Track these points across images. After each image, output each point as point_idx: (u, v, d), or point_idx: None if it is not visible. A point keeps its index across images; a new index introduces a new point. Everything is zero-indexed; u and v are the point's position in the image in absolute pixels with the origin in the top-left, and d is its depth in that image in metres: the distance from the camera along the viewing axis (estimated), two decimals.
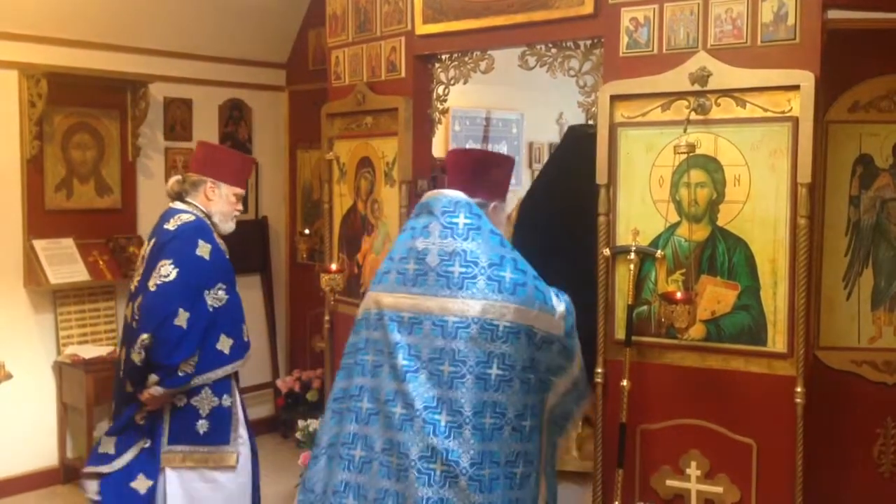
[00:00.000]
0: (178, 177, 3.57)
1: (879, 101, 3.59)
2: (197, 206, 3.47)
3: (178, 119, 5.63)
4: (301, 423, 4.61)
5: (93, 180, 5.21)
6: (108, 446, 3.36)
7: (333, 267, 4.58)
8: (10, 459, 4.89)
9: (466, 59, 4.21)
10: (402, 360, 2.67)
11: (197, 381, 3.32)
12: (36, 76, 4.79)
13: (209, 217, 3.47)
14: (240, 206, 3.62)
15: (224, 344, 3.35)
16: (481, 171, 2.94)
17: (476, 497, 2.59)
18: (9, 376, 4.55)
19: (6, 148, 4.85)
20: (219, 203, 3.49)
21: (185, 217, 3.37)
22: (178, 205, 3.46)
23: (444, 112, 4.45)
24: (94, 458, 3.42)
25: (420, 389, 2.63)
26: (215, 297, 3.32)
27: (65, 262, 4.98)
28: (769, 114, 3.18)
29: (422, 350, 2.67)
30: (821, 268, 3.62)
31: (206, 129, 5.76)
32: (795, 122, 3.12)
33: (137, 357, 3.18)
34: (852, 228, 3.65)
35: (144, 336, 3.15)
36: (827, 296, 3.65)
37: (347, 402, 2.78)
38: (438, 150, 6.83)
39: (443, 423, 2.60)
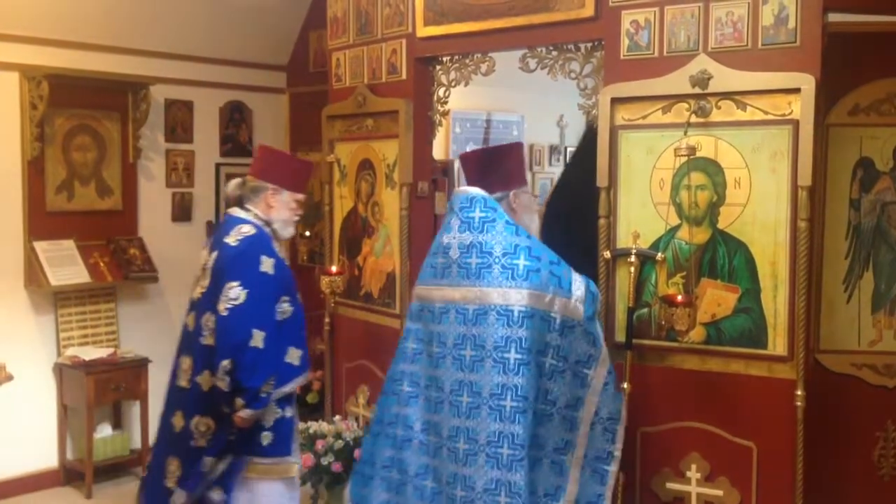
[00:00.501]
0: (239, 180, 3.45)
1: (880, 105, 3.59)
2: (257, 214, 3.36)
3: (178, 121, 5.63)
4: (301, 425, 4.60)
5: (93, 182, 5.21)
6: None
7: (334, 269, 4.58)
8: (10, 460, 4.89)
9: (467, 61, 4.22)
10: (435, 348, 2.95)
11: (274, 396, 3.25)
12: (37, 78, 4.79)
13: (269, 224, 3.37)
14: (300, 211, 3.51)
15: (293, 356, 3.26)
16: (490, 167, 3.12)
17: (492, 473, 2.79)
18: (9, 378, 4.55)
19: (7, 150, 4.85)
20: (280, 210, 3.39)
21: (246, 230, 3.26)
22: (238, 212, 3.36)
23: (445, 114, 4.45)
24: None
25: (447, 374, 2.90)
26: (280, 310, 3.24)
27: (65, 264, 4.98)
28: (770, 117, 3.19)
29: (448, 337, 2.93)
30: (821, 271, 3.62)
31: (206, 131, 5.77)
32: (796, 125, 3.12)
33: (223, 384, 3.11)
34: (853, 231, 3.64)
35: (225, 362, 3.09)
36: (827, 299, 3.65)
37: (392, 385, 3.09)
38: (439, 152, 6.84)
39: (464, 405, 2.85)
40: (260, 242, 3.25)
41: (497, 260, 2.89)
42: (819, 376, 3.56)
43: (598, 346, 2.96)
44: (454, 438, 2.86)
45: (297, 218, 3.48)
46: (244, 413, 3.19)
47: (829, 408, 3.52)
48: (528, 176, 8.62)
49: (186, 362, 3.32)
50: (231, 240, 3.21)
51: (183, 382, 3.32)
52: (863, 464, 3.68)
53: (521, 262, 2.88)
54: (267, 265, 3.20)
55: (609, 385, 3.00)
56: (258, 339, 3.10)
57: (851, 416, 3.65)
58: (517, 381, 2.81)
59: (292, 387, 3.35)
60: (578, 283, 2.94)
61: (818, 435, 3.45)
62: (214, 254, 3.26)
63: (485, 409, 2.81)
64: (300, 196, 3.49)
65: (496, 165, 3.13)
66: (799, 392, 3.14)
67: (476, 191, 3.02)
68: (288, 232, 3.47)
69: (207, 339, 3.19)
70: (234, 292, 3.10)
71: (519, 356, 2.82)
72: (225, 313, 3.08)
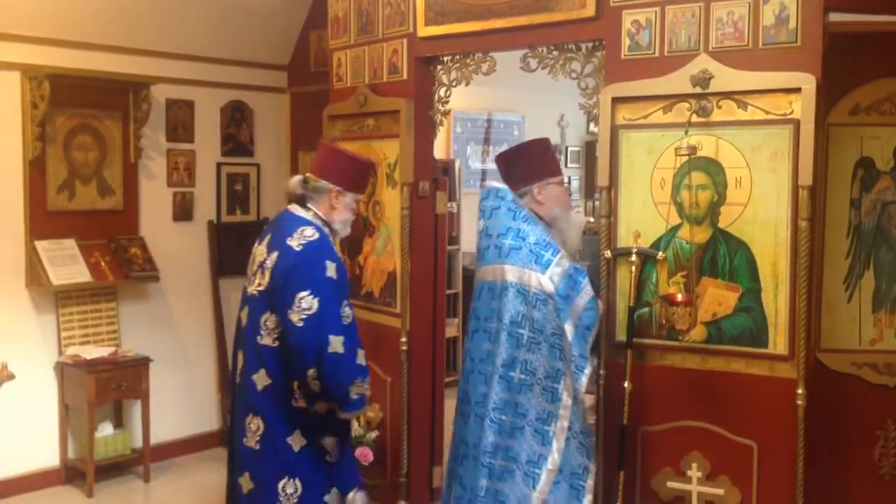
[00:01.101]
0: (300, 178, 3.37)
1: (880, 104, 3.59)
2: (317, 214, 3.30)
3: (179, 120, 5.63)
4: None
5: (95, 181, 5.21)
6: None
7: None
8: (11, 459, 4.89)
9: (468, 61, 4.22)
10: (481, 323, 3.42)
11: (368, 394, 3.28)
12: (38, 77, 4.79)
13: (329, 224, 3.32)
14: (357, 210, 3.51)
15: (361, 357, 3.19)
16: (511, 165, 3.57)
17: (493, 438, 3.32)
18: (11, 377, 4.55)
19: (8, 149, 4.86)
20: (342, 211, 3.35)
21: (309, 233, 3.18)
22: (299, 211, 3.31)
23: (446, 114, 4.46)
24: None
25: (479, 346, 3.41)
26: (344, 314, 3.17)
27: (67, 263, 4.99)
28: (770, 116, 3.19)
29: (481, 312, 3.43)
30: (822, 270, 3.62)
31: (207, 130, 5.77)
32: (797, 124, 3.13)
33: (316, 386, 3.09)
34: (853, 231, 3.65)
35: (311, 372, 3.06)
36: (828, 298, 3.66)
37: (462, 364, 3.60)
38: (440, 151, 6.85)
39: (486, 375, 3.35)
40: (322, 247, 3.18)
41: (492, 240, 3.40)
42: (820, 375, 3.56)
43: (566, 325, 3.24)
44: (482, 405, 3.36)
45: (355, 217, 3.46)
46: (344, 415, 3.18)
47: (829, 407, 3.53)
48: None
49: (241, 358, 3.27)
50: (295, 243, 3.14)
51: (238, 379, 3.28)
52: (863, 463, 3.68)
53: (508, 241, 3.34)
54: (331, 270, 3.13)
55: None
56: (336, 344, 3.05)
57: (852, 415, 3.65)
58: (496, 349, 3.32)
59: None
60: (559, 265, 3.26)
61: (819, 434, 3.46)
62: (275, 254, 3.17)
63: (495, 377, 3.33)
64: (361, 196, 3.48)
65: (515, 163, 3.56)
66: (799, 391, 3.14)
67: (495, 184, 3.53)
68: (346, 232, 3.43)
69: (265, 339, 3.15)
70: (307, 302, 3.04)
71: (497, 325, 3.33)
72: (300, 324, 3.02)
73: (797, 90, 3.11)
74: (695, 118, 3.29)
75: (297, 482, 3.10)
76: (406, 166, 4.36)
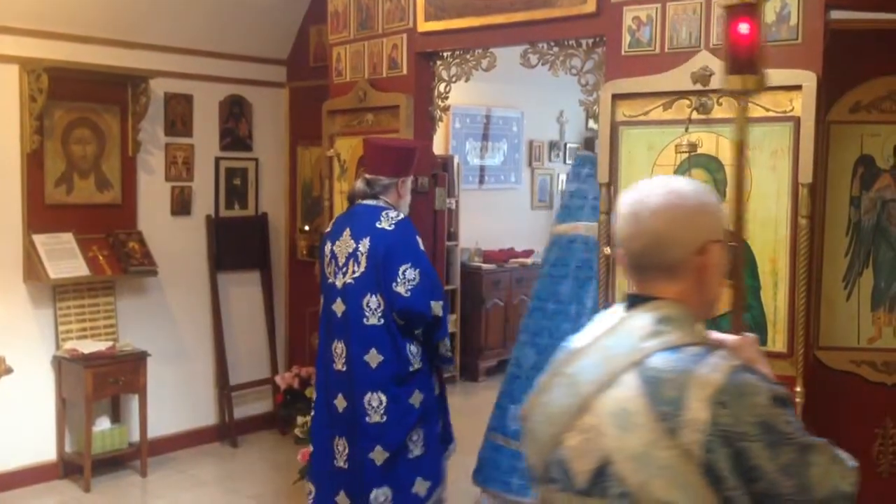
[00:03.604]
0: (365, 180, 3.62)
1: (881, 102, 3.58)
2: (387, 201, 3.58)
3: (178, 115, 5.62)
4: (300, 419, 4.61)
5: (93, 175, 5.20)
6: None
7: None
8: (8, 453, 4.89)
9: (468, 56, 4.21)
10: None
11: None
12: (37, 71, 4.78)
13: (396, 208, 3.62)
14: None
15: (450, 322, 3.73)
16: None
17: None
18: (8, 371, 4.55)
19: (6, 142, 4.84)
20: (406, 195, 3.67)
21: (393, 215, 3.52)
22: (370, 202, 3.57)
23: (445, 109, 4.45)
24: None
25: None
26: None
27: (65, 257, 4.98)
28: (771, 114, 3.18)
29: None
30: (821, 268, 3.62)
31: (206, 125, 5.76)
32: (797, 122, 3.12)
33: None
34: (853, 229, 3.65)
35: (417, 332, 3.49)
36: (827, 296, 3.66)
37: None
38: (439, 147, 6.83)
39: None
40: (410, 224, 3.54)
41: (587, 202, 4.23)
42: (818, 373, 3.56)
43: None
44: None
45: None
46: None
47: (828, 404, 3.52)
48: (527, 171, 8.64)
49: (339, 347, 3.51)
50: (385, 224, 3.46)
51: (339, 366, 3.51)
52: (861, 460, 3.63)
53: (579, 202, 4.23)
54: (420, 242, 3.52)
55: None
56: (437, 308, 3.47)
57: (850, 412, 3.65)
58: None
59: None
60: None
61: (817, 431, 3.45)
62: (366, 239, 3.46)
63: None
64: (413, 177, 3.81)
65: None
66: (798, 388, 3.14)
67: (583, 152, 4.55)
68: (407, 210, 3.70)
69: (370, 320, 3.43)
70: (410, 273, 3.40)
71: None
72: (408, 294, 3.39)
73: (798, 88, 3.10)
74: (695, 115, 3.28)
75: (421, 430, 3.49)
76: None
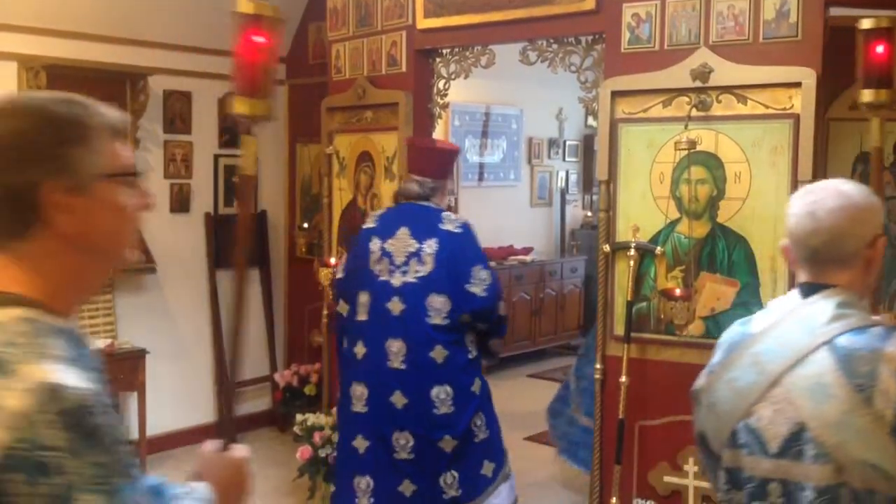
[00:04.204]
0: (417, 181, 3.66)
1: None
2: (437, 204, 3.67)
3: (177, 112, 5.61)
4: (299, 417, 4.60)
5: None
6: None
7: (332, 261, 4.58)
8: None
9: (467, 53, 4.20)
10: None
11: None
12: (35, 68, 4.77)
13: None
14: None
15: None
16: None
17: None
18: None
19: None
20: (447, 197, 3.78)
21: (454, 217, 3.64)
22: (424, 203, 3.65)
23: (445, 107, 4.44)
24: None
25: None
26: None
27: None
28: (770, 111, 3.18)
29: None
30: None
31: (205, 122, 5.75)
32: (796, 119, 3.12)
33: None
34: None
35: (482, 327, 3.59)
36: None
37: None
38: None
39: None
40: (471, 227, 3.63)
41: None
42: None
43: None
44: None
45: None
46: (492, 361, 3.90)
47: None
48: (526, 169, 8.64)
49: (396, 345, 3.52)
50: (451, 227, 3.55)
51: (397, 364, 3.54)
52: None
53: None
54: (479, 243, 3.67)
55: None
56: (502, 307, 3.63)
57: None
58: None
59: None
60: None
61: None
62: (431, 241, 3.53)
63: None
64: None
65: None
66: None
67: None
68: None
69: (434, 319, 3.48)
70: (483, 274, 3.51)
71: None
72: (484, 294, 3.50)
73: (797, 85, 3.11)
74: (694, 112, 3.28)
75: (482, 415, 3.57)
76: (404, 159, 4.35)
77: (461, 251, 3.52)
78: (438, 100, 4.39)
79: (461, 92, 6.14)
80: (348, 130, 4.75)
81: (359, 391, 3.63)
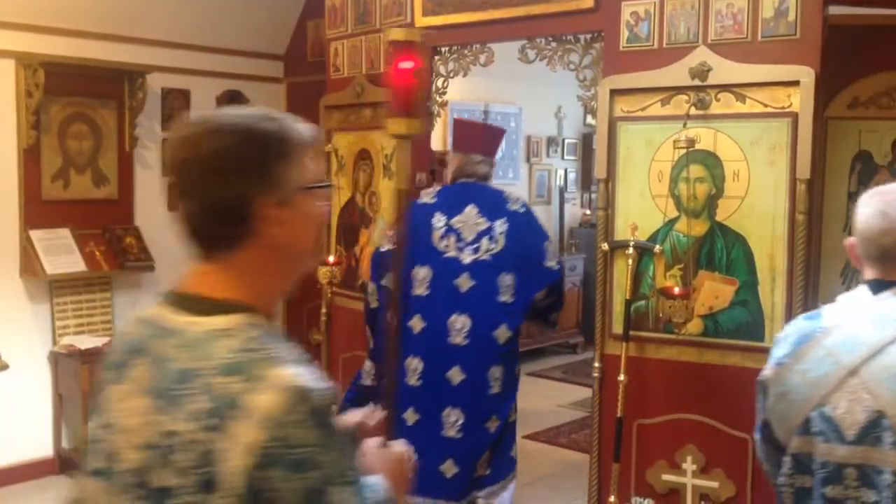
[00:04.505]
0: (481, 159, 3.69)
1: (879, 98, 3.58)
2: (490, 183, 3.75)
3: (175, 109, 5.59)
4: None
5: (89, 171, 5.19)
6: None
7: (331, 259, 4.57)
8: (5, 449, 4.88)
9: (466, 51, 4.20)
10: None
11: None
12: (33, 66, 4.76)
13: None
14: None
15: None
16: None
17: None
18: (4, 366, 4.54)
19: (2, 138, 4.82)
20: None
21: (513, 196, 3.72)
22: (480, 181, 3.70)
23: (443, 105, 4.43)
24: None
25: None
26: None
27: (61, 253, 4.96)
28: (769, 109, 3.18)
29: None
30: (819, 264, 3.62)
31: None
32: (795, 117, 3.12)
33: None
34: (850, 225, 3.64)
35: (548, 302, 3.66)
36: (824, 292, 3.65)
37: None
38: (437, 143, 6.82)
39: None
40: (529, 205, 3.75)
41: None
42: None
43: None
44: None
45: None
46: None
47: None
48: (525, 167, 8.64)
49: (461, 321, 3.53)
50: (516, 207, 3.63)
51: (458, 340, 3.55)
52: None
53: None
54: None
55: None
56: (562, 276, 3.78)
57: None
58: None
59: None
60: None
61: None
62: (502, 221, 3.56)
63: None
64: None
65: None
66: None
67: None
68: None
69: (503, 297, 3.50)
70: (552, 248, 3.64)
71: None
72: (557, 266, 3.62)
73: (796, 83, 3.11)
74: (693, 111, 3.28)
75: (515, 399, 3.66)
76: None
77: (530, 231, 3.61)
78: (437, 98, 4.38)
79: (460, 90, 6.14)
80: (347, 129, 4.74)
81: (414, 364, 3.61)
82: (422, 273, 3.58)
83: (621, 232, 3.51)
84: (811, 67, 3.08)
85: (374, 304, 3.75)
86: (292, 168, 1.23)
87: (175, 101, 5.59)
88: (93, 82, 5.12)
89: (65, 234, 5.04)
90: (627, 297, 3.46)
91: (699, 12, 3.32)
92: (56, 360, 5.02)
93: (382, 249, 3.76)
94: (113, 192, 5.30)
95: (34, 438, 5.01)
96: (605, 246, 3.53)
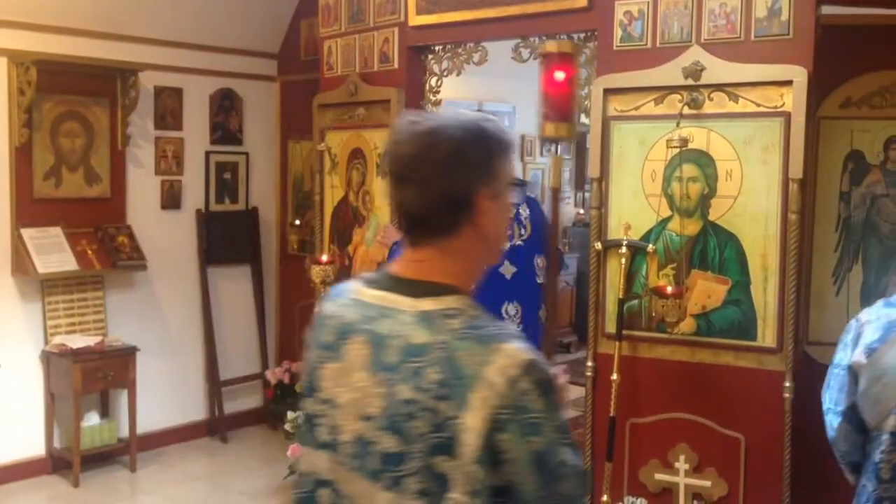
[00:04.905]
0: None
1: (871, 98, 3.59)
2: None
3: (168, 108, 5.58)
4: (290, 414, 4.59)
5: (82, 169, 5.17)
6: None
7: (324, 258, 4.57)
8: None
9: (460, 50, 4.20)
10: None
11: None
12: (25, 64, 4.74)
13: None
14: None
15: None
16: None
17: None
18: None
19: None
20: None
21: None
22: None
23: (437, 104, 4.43)
24: None
25: None
26: None
27: (53, 251, 4.95)
28: (762, 109, 3.19)
29: None
30: (811, 263, 3.63)
31: (196, 118, 5.73)
32: (788, 117, 3.12)
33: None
34: (843, 224, 3.66)
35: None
36: (816, 291, 3.66)
37: None
38: None
39: None
40: None
41: None
42: (807, 368, 3.57)
43: None
44: None
45: None
46: None
47: (817, 399, 3.52)
48: (519, 166, 8.64)
49: (513, 308, 3.67)
50: (529, 193, 3.91)
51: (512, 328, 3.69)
52: None
53: None
54: None
55: None
56: None
57: None
58: None
59: None
60: None
61: (806, 426, 3.46)
62: (524, 206, 3.78)
63: None
64: None
65: None
66: (787, 384, 3.15)
67: None
68: None
69: (540, 278, 3.73)
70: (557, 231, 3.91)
71: None
72: (566, 249, 3.97)
73: (789, 83, 3.11)
74: (686, 110, 3.28)
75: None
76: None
77: (543, 215, 3.86)
78: (431, 97, 4.38)
79: (453, 89, 6.11)
80: (340, 127, 4.74)
81: None
82: None
83: (614, 231, 3.51)
84: (804, 67, 3.08)
85: None
86: (505, 165, 1.40)
87: (168, 100, 5.57)
88: (85, 80, 5.11)
89: (57, 232, 5.02)
90: (620, 297, 3.46)
91: (692, 12, 3.32)
92: (48, 359, 5.01)
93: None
94: (105, 190, 5.28)
95: (26, 438, 4.99)
96: (599, 245, 3.53)
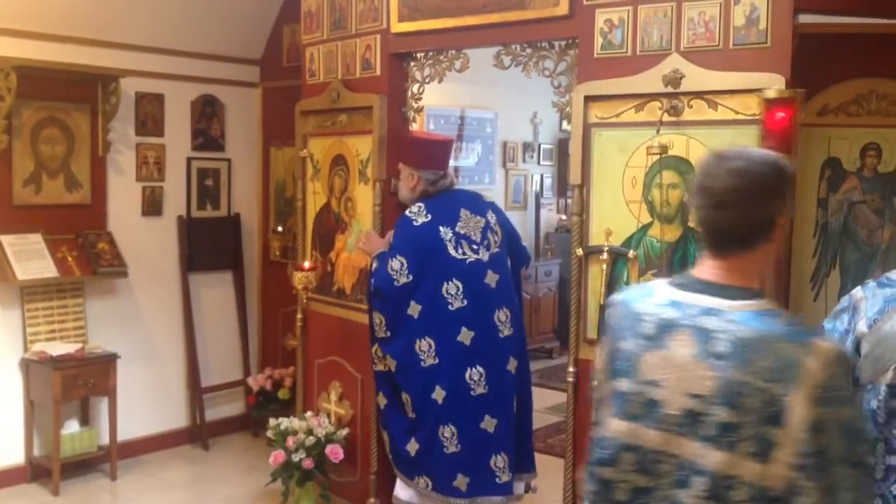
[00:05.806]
0: (447, 173, 3.98)
1: (848, 105, 3.64)
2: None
3: (149, 114, 5.56)
4: (272, 421, 4.58)
5: (62, 175, 5.14)
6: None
7: (306, 265, 4.56)
8: None
9: (441, 57, 4.21)
10: None
11: None
12: (5, 70, 4.71)
13: None
14: None
15: None
16: None
17: None
18: None
19: None
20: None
21: (478, 192, 4.14)
22: (452, 187, 4.00)
23: (419, 110, 4.44)
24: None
25: None
26: None
27: (33, 258, 4.91)
28: (740, 116, 3.22)
29: None
30: (789, 269, 3.66)
31: (178, 124, 5.71)
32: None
33: None
34: (820, 230, 3.70)
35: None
36: (794, 297, 3.70)
37: None
38: None
39: None
40: None
41: None
42: None
43: None
44: None
45: None
46: None
47: None
48: (501, 173, 8.64)
49: (503, 314, 3.77)
50: (489, 198, 4.05)
51: (507, 332, 3.77)
52: None
53: None
54: None
55: None
56: None
57: None
58: None
59: None
60: None
61: None
62: (490, 213, 3.91)
63: None
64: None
65: None
66: None
67: None
68: None
69: (514, 278, 3.94)
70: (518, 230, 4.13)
71: None
72: (525, 245, 4.21)
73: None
74: (666, 117, 3.31)
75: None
76: (378, 163, 4.35)
77: (506, 217, 4.01)
78: (413, 103, 4.39)
79: (436, 96, 6.15)
80: (322, 134, 4.74)
81: (476, 375, 3.67)
82: (451, 288, 3.69)
83: (596, 237, 3.53)
84: (781, 75, 3.11)
85: (381, 335, 3.77)
86: (791, 193, 1.77)
87: (149, 106, 5.55)
88: (65, 86, 5.08)
89: (36, 239, 4.99)
90: (601, 302, 3.48)
91: (672, 20, 3.35)
92: (27, 366, 4.97)
93: (398, 284, 3.68)
94: (86, 196, 5.25)
95: (5, 446, 4.94)
96: (580, 251, 3.55)
